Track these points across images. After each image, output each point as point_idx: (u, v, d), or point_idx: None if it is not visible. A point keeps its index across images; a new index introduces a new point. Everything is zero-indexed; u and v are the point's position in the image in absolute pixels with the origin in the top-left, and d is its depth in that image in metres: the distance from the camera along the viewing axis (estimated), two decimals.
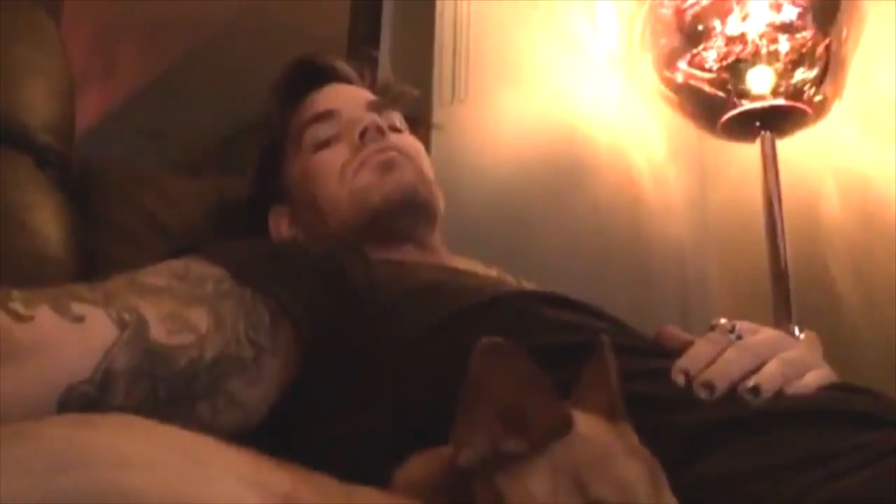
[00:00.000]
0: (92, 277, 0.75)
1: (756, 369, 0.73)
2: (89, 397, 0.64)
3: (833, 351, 0.90)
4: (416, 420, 0.69)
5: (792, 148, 1.64)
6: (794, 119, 1.58)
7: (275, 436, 0.70)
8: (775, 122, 1.58)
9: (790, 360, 0.74)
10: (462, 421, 0.61)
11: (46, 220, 1.03)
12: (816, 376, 0.75)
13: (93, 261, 1.04)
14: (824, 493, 0.63)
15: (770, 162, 1.57)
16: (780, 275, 1.53)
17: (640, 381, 0.72)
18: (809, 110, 1.58)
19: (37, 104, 1.10)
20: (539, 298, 0.80)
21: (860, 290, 1.65)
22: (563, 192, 1.67)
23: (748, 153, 1.65)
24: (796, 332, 1.45)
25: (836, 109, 1.60)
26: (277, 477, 0.55)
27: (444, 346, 0.72)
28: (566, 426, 0.61)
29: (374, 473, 0.62)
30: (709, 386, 0.71)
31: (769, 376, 0.72)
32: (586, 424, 0.63)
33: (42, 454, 0.51)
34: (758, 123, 1.58)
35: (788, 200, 1.58)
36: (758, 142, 1.59)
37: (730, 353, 0.73)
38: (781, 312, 1.50)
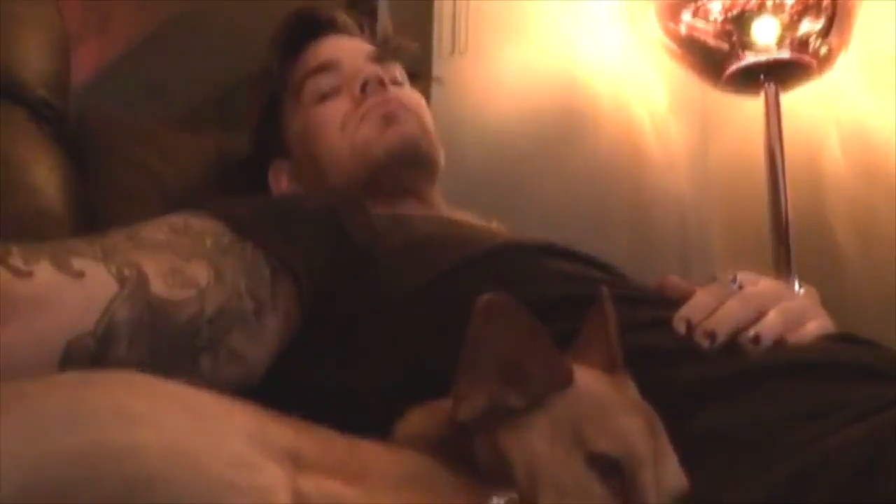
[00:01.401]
0: (91, 233, 0.75)
1: (757, 319, 0.73)
2: (91, 352, 0.64)
3: (832, 303, 0.90)
4: (417, 372, 0.69)
5: (795, 100, 1.62)
6: (798, 72, 1.57)
7: (277, 390, 0.70)
8: (780, 74, 1.56)
9: (790, 310, 0.74)
10: (462, 377, 0.61)
11: (44, 175, 1.02)
12: (816, 326, 0.75)
13: (91, 217, 1.04)
14: (822, 446, 0.63)
15: (773, 115, 1.56)
16: (780, 228, 1.53)
17: (640, 331, 0.72)
18: (814, 63, 1.56)
19: (32, 58, 1.09)
20: (539, 249, 0.80)
21: (860, 243, 1.65)
22: (563, 144, 1.66)
23: (751, 106, 1.63)
24: (796, 285, 1.45)
25: (841, 62, 1.58)
26: (280, 431, 0.56)
27: (444, 298, 0.72)
28: (566, 379, 0.61)
29: (375, 426, 0.63)
30: (710, 335, 0.72)
31: (770, 325, 0.72)
32: (586, 378, 0.63)
33: (46, 414, 0.51)
34: (762, 76, 1.57)
35: (791, 153, 1.57)
36: (761, 94, 1.58)
37: (731, 303, 0.73)
38: (781, 265, 1.50)
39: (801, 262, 1.52)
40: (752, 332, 0.72)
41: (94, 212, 1.05)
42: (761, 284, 0.77)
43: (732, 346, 0.73)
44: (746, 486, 0.63)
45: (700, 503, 0.62)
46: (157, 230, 0.73)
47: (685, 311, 0.74)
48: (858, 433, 0.63)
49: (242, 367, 0.72)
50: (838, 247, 1.66)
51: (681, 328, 0.73)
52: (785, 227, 1.53)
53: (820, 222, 1.67)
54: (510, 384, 0.61)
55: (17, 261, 0.64)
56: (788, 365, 0.71)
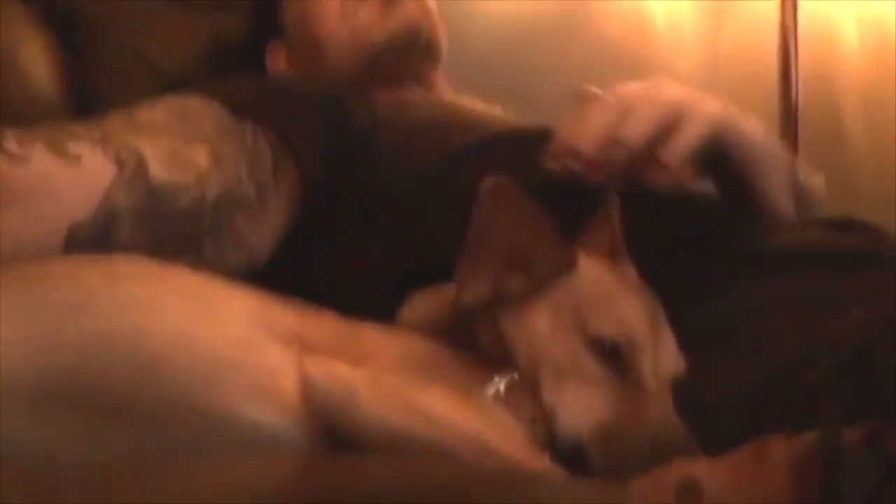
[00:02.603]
0: (85, 117, 0.74)
1: (622, 122, 0.65)
2: (93, 236, 0.64)
3: (839, 191, 0.90)
4: (421, 257, 0.69)
5: None
6: None
7: (280, 277, 0.70)
8: None
9: (664, 104, 0.65)
10: (465, 262, 0.61)
11: (34, 57, 0.99)
12: (695, 128, 0.66)
13: (84, 100, 1.01)
14: (820, 332, 0.64)
15: (789, 2, 1.51)
16: (790, 117, 1.51)
17: (643, 219, 0.71)
18: None
19: None
20: (544, 136, 0.79)
21: (869, 133, 1.63)
22: (570, 26, 1.61)
23: None
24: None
25: None
26: (284, 314, 0.56)
27: (446, 184, 0.71)
28: (569, 264, 0.62)
29: (379, 311, 0.63)
30: (574, 153, 0.65)
31: (635, 124, 0.64)
32: (588, 264, 0.63)
33: (50, 299, 0.51)
34: None
35: (804, 42, 1.53)
36: None
37: (590, 113, 0.66)
38: (789, 152, 1.49)
39: (809, 150, 1.50)
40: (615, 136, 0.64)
41: (86, 96, 1.03)
42: (629, 87, 0.68)
43: (731, 233, 0.73)
44: (744, 370, 0.64)
45: (697, 388, 0.63)
46: (155, 113, 0.72)
47: (550, 147, 0.66)
48: (857, 318, 0.63)
49: (246, 252, 0.72)
50: (847, 136, 1.64)
51: (553, 165, 0.67)
52: (794, 116, 1.51)
53: (829, 109, 1.65)
54: (513, 269, 0.61)
55: (11, 145, 0.63)
56: (788, 251, 0.71)
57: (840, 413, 0.59)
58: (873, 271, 0.68)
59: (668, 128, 0.65)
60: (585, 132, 0.65)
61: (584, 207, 0.67)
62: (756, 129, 0.73)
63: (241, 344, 0.51)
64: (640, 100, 0.66)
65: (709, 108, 0.67)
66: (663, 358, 0.62)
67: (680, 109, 0.66)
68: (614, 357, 0.60)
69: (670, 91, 0.68)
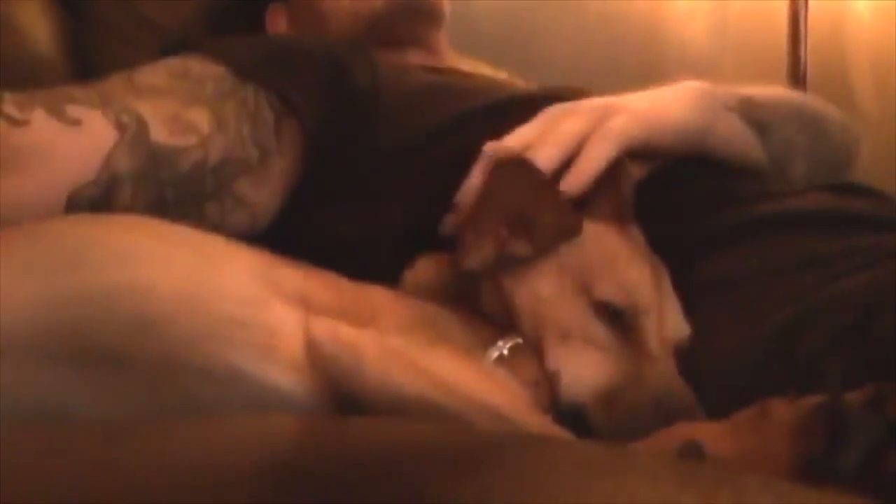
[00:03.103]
0: (85, 79, 0.73)
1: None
2: (96, 200, 0.64)
3: None
4: (425, 221, 0.69)
5: None
6: None
7: (283, 239, 0.70)
8: None
9: (567, 134, 0.68)
10: (468, 226, 0.61)
11: (33, 18, 0.98)
12: (622, 120, 0.68)
13: (84, 62, 1.01)
14: (822, 294, 0.64)
15: None
16: (798, 80, 1.50)
17: (649, 183, 0.71)
18: None
19: None
20: (551, 99, 0.78)
21: (879, 98, 1.61)
22: None
23: None
24: None
25: None
26: (288, 273, 0.56)
27: (452, 146, 0.71)
28: (575, 229, 0.61)
29: (383, 273, 0.63)
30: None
31: (564, 130, 0.66)
32: (595, 228, 0.63)
33: (53, 253, 0.51)
34: None
35: (814, 3, 1.51)
36: None
37: (525, 127, 0.69)
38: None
39: None
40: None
41: (87, 56, 1.02)
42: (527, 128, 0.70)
43: (736, 196, 0.72)
44: (747, 331, 0.64)
45: (701, 349, 0.63)
46: (155, 75, 0.71)
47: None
48: (861, 281, 0.63)
49: (248, 214, 0.71)
50: (856, 101, 1.62)
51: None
52: (803, 80, 1.50)
53: (839, 75, 1.63)
54: (517, 234, 0.61)
55: (11, 109, 0.63)
56: (792, 215, 0.71)
57: (842, 375, 0.59)
58: (878, 235, 0.68)
59: (594, 122, 0.68)
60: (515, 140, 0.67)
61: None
62: (684, 113, 0.72)
63: (246, 302, 0.51)
64: (541, 138, 0.68)
65: (618, 123, 0.68)
66: (668, 322, 0.62)
67: (609, 109, 0.69)
68: (619, 321, 0.60)
69: (573, 119, 0.69)
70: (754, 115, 0.78)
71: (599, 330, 0.60)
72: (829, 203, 0.73)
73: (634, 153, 0.69)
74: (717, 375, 0.62)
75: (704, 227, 0.71)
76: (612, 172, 0.68)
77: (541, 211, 0.60)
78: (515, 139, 0.69)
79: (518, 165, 0.61)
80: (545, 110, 0.70)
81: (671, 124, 0.71)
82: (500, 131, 0.69)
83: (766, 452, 0.44)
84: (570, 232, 0.61)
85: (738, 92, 0.79)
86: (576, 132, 0.67)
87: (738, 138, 0.76)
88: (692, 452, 0.44)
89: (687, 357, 0.62)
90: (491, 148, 0.68)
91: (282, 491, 0.27)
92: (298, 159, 0.73)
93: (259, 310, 0.51)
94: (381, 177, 0.74)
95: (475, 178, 0.66)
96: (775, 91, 0.85)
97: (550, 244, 0.61)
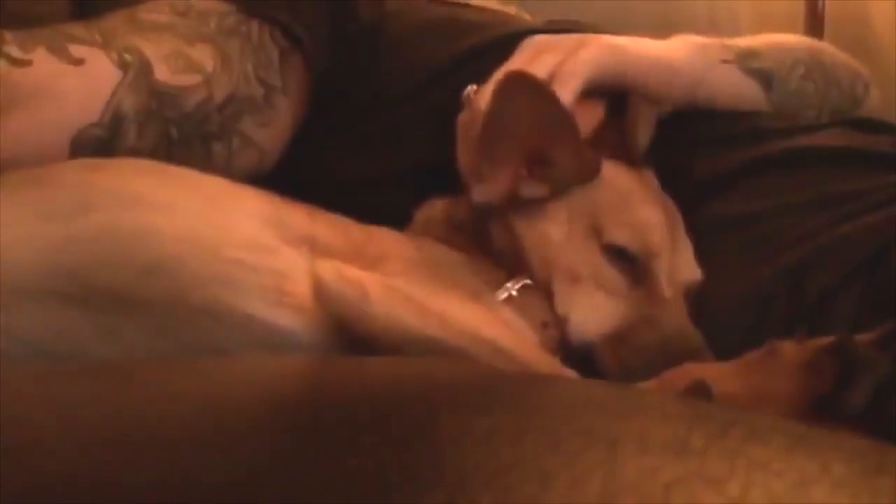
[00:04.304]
0: (85, 15, 0.71)
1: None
2: (101, 140, 0.63)
3: None
4: (432, 161, 0.68)
5: None
6: None
7: (290, 180, 0.70)
8: None
9: (566, 42, 0.67)
10: (482, 155, 0.60)
11: None
12: (593, 49, 0.67)
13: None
14: (834, 233, 0.63)
15: None
16: (815, 20, 1.46)
17: (660, 122, 0.70)
18: None
19: None
20: (557, 35, 0.76)
21: None
22: None
23: None
24: None
25: None
26: (295, 216, 0.56)
27: (459, 84, 0.70)
28: (594, 172, 0.60)
29: (390, 215, 0.63)
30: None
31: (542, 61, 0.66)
32: (608, 170, 0.62)
33: (60, 198, 0.51)
34: None
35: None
36: None
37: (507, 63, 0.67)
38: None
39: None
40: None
41: None
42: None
43: (751, 135, 0.71)
44: (757, 270, 0.64)
45: (711, 289, 0.63)
46: (158, 12, 0.69)
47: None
48: (873, 220, 0.63)
49: (255, 154, 0.71)
50: (874, 46, 1.58)
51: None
52: (820, 19, 1.45)
53: (857, 21, 1.59)
54: (532, 172, 0.60)
55: (12, 49, 0.61)
56: (806, 153, 0.70)
57: (851, 314, 0.59)
58: (892, 174, 0.67)
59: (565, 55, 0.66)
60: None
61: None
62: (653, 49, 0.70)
63: (252, 245, 0.51)
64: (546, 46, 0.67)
65: (586, 55, 0.67)
66: (680, 265, 0.61)
67: (577, 41, 0.67)
68: (630, 264, 0.59)
69: (551, 53, 0.67)
70: (756, 65, 0.76)
71: (610, 273, 0.59)
72: (845, 140, 0.72)
73: (613, 86, 0.67)
74: (726, 315, 0.62)
75: (717, 165, 0.70)
76: (624, 111, 0.66)
77: (557, 149, 0.59)
78: (495, 79, 0.67)
79: (530, 89, 0.58)
80: (524, 42, 0.68)
81: (653, 62, 0.69)
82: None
83: (773, 392, 0.44)
84: (588, 175, 0.60)
85: (738, 44, 0.77)
86: (550, 66, 0.65)
87: (734, 91, 0.74)
88: (700, 392, 0.44)
89: (697, 297, 0.62)
90: (472, 92, 0.66)
91: (291, 429, 0.27)
92: (303, 97, 0.72)
93: (268, 254, 0.51)
94: (387, 116, 0.73)
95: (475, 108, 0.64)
96: (780, 39, 0.83)
97: (567, 187, 0.60)
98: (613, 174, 0.62)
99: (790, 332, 0.46)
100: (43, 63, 0.62)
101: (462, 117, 0.66)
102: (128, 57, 0.65)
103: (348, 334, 0.49)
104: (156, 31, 0.67)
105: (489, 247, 0.61)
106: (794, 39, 0.85)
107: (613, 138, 0.66)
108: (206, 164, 0.66)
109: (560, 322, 0.58)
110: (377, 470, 0.24)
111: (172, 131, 0.66)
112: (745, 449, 0.25)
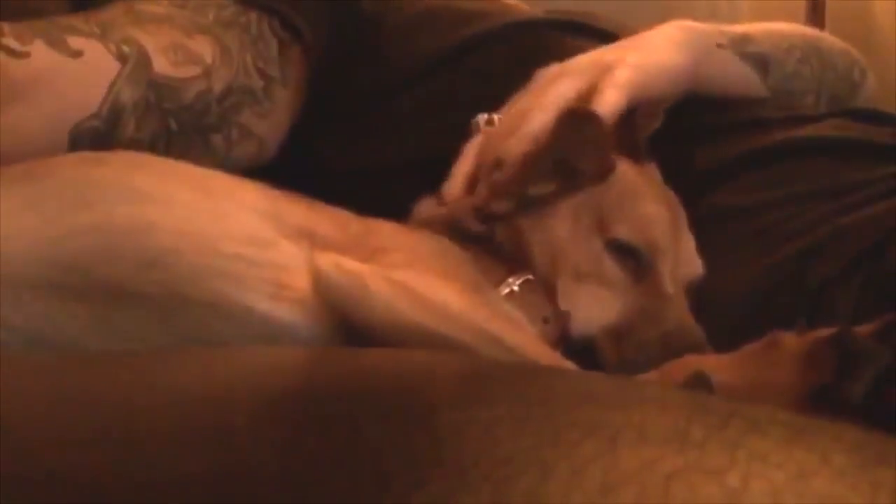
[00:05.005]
0: (84, 6, 0.71)
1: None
2: (99, 132, 0.63)
3: None
4: (433, 152, 0.68)
5: None
6: None
7: (289, 172, 0.70)
8: None
9: (583, 67, 0.67)
10: (519, 181, 0.60)
11: None
12: (628, 70, 0.67)
13: None
14: (836, 223, 0.63)
15: None
16: (817, 16, 1.45)
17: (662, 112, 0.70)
18: None
19: None
20: (561, 26, 0.76)
21: None
22: None
23: None
24: None
25: None
26: (293, 209, 0.56)
27: (454, 75, 0.70)
28: (608, 174, 0.61)
29: (390, 208, 0.63)
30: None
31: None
32: (619, 168, 0.62)
33: (57, 192, 0.51)
34: None
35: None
36: None
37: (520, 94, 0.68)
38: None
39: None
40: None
41: None
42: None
43: (752, 126, 0.71)
44: (758, 262, 0.64)
45: (712, 281, 0.63)
46: (156, 3, 0.69)
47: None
48: (875, 211, 0.63)
49: (254, 145, 0.71)
50: (875, 28, 1.58)
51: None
52: (822, 17, 1.45)
53: (859, 13, 1.58)
54: (553, 178, 0.60)
55: (10, 40, 0.61)
56: (808, 143, 0.70)
57: (852, 305, 0.59)
58: (894, 165, 0.67)
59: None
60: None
61: None
62: (670, 58, 0.71)
63: (251, 238, 0.51)
64: (537, 103, 0.66)
65: (624, 75, 0.67)
66: (682, 261, 0.61)
67: (578, 95, 0.67)
68: (633, 259, 0.59)
69: (568, 80, 0.67)
70: (751, 50, 0.76)
71: (614, 269, 0.59)
72: (845, 131, 0.72)
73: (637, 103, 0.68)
74: (726, 306, 0.62)
75: (718, 156, 0.70)
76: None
77: (584, 161, 0.60)
78: (511, 107, 0.67)
79: (586, 127, 0.59)
80: (537, 74, 0.69)
81: (665, 71, 0.69)
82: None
83: (773, 384, 0.44)
84: (604, 177, 0.60)
85: (733, 30, 0.77)
86: (571, 95, 0.66)
87: (730, 75, 0.74)
88: (700, 384, 0.44)
89: (698, 289, 0.62)
90: (482, 120, 0.66)
91: (290, 421, 0.27)
92: (302, 89, 0.72)
93: (266, 247, 0.51)
94: (386, 106, 0.73)
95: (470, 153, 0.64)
96: (775, 25, 0.83)
97: (580, 188, 0.60)
98: (618, 171, 0.62)
99: (790, 323, 0.46)
100: (41, 55, 0.62)
101: (472, 144, 0.66)
102: (126, 49, 0.64)
103: (348, 327, 0.49)
104: (154, 22, 0.67)
105: (491, 241, 0.61)
106: (789, 27, 0.85)
107: (616, 132, 0.66)
108: (204, 155, 0.66)
109: (562, 317, 0.58)
110: (377, 461, 0.24)
111: (171, 123, 0.66)
112: (745, 440, 0.25)
